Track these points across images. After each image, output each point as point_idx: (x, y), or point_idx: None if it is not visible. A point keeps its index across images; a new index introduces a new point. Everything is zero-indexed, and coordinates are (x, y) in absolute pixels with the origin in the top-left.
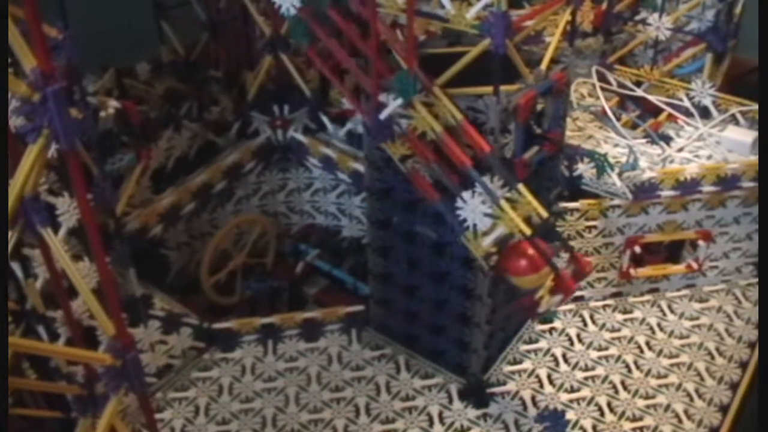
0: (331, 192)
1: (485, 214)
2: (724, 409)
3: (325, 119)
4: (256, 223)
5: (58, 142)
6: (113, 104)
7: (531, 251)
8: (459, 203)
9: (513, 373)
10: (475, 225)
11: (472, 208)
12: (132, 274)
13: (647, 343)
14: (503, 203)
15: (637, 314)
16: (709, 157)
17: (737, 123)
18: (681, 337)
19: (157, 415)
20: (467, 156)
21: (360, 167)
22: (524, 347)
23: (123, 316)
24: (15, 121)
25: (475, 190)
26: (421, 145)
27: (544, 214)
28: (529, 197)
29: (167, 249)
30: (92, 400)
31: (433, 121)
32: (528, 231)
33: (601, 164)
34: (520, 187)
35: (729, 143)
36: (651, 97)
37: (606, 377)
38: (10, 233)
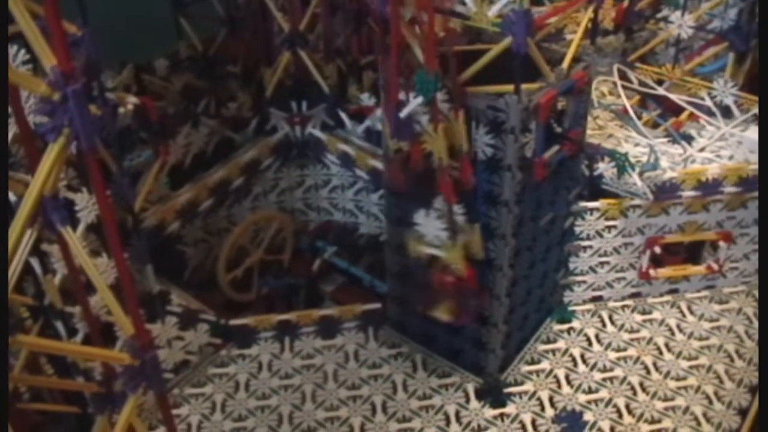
0: (348, 189)
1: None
2: (743, 412)
3: (343, 116)
4: (273, 220)
5: (79, 141)
6: (132, 100)
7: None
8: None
9: (530, 373)
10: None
11: (426, 224)
12: (149, 270)
13: (666, 345)
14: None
15: (657, 315)
16: (731, 158)
17: None
18: (700, 339)
19: (174, 411)
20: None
21: (378, 164)
22: (542, 347)
23: (141, 313)
24: (33, 119)
25: (429, 212)
26: (418, 152)
27: (481, 255)
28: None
29: (184, 245)
30: (110, 398)
31: (444, 152)
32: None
33: (622, 164)
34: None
35: (751, 143)
36: (672, 96)
37: (624, 378)
38: (29, 232)
